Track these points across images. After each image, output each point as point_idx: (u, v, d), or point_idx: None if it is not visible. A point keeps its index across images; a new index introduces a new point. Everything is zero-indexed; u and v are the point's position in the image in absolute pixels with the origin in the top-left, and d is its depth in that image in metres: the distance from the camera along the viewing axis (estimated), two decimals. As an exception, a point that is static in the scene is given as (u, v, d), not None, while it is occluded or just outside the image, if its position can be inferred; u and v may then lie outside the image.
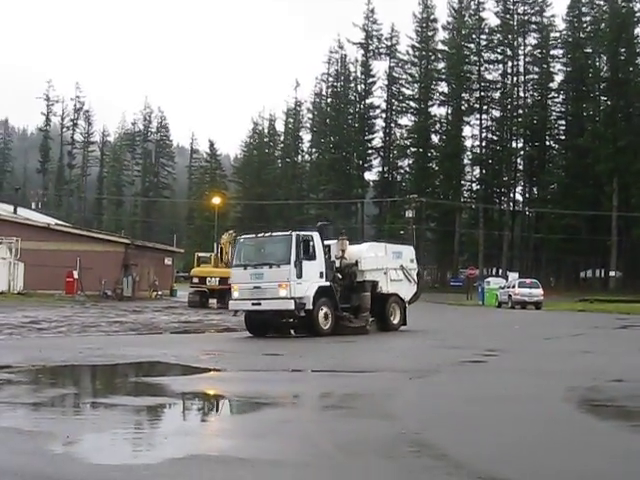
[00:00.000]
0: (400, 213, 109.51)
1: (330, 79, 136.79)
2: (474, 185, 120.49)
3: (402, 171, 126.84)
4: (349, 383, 14.83)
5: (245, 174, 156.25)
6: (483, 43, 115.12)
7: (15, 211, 70.34)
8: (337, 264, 29.34)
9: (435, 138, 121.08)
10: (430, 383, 15.16)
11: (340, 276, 29.08)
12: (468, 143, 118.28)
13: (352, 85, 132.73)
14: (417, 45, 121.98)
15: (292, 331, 28.60)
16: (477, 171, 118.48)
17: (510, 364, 19.06)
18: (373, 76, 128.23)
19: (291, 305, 26.12)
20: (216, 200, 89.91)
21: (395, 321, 30.63)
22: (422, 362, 18.56)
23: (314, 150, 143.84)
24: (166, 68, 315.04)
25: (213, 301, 49.56)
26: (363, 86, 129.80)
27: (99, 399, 13.00)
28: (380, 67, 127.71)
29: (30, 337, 24.80)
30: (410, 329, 30.21)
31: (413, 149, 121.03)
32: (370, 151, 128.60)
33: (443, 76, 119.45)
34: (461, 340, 26.69)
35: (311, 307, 26.45)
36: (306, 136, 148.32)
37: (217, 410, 12.67)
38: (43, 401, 12.57)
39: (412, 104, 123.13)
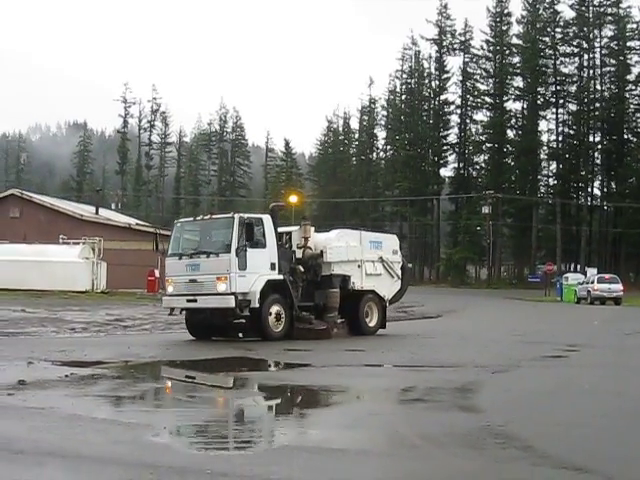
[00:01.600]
0: (476, 209, 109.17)
1: (404, 76, 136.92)
2: (551, 180, 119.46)
3: (478, 167, 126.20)
4: (431, 378, 15.08)
5: (320, 172, 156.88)
6: (558, 36, 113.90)
7: (97, 212, 71.61)
8: (299, 254, 24.97)
9: (511, 133, 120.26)
10: (512, 377, 15.34)
11: (302, 269, 24.56)
12: (544, 138, 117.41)
13: (426, 81, 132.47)
14: (491, 40, 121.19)
15: (240, 334, 24.32)
16: (554, 166, 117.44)
17: (592, 359, 19.13)
18: (447, 72, 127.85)
19: (231, 302, 21.86)
20: (293, 199, 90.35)
21: (371, 323, 26.31)
22: (503, 357, 18.71)
23: (389, 147, 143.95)
24: (241, 68, 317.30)
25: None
26: (437, 82, 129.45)
27: (190, 393, 13.45)
28: (454, 63, 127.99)
29: (116, 334, 25.41)
30: (485, 324, 30.09)
31: (488, 145, 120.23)
32: (445, 147, 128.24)
33: (518, 70, 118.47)
34: (541, 336, 26.69)
35: (257, 305, 22.15)
36: (381, 133, 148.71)
37: (305, 403, 13.03)
38: (137, 394, 13.09)
39: (487, 99, 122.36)
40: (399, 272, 27.60)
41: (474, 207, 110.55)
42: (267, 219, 23.60)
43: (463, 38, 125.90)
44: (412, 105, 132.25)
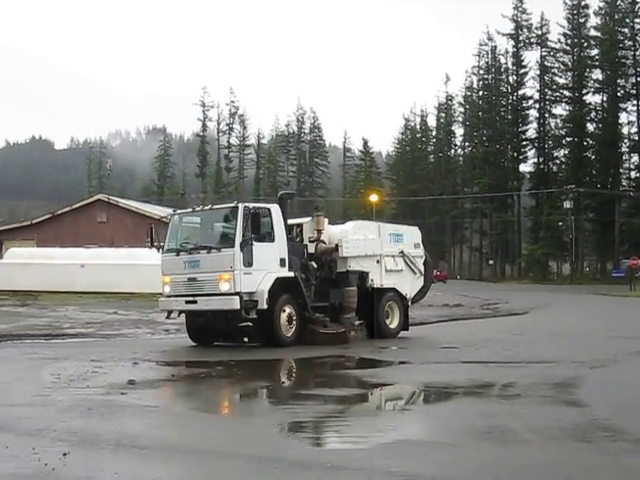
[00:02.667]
0: (557, 204, 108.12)
1: (481, 72, 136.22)
2: (633, 173, 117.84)
3: (558, 161, 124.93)
4: (530, 373, 15.22)
5: (398, 170, 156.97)
6: (637, 27, 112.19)
7: (180, 215, 72.51)
8: (311, 249, 22.49)
9: (591, 126, 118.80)
10: (611, 372, 15.43)
11: (315, 265, 22.12)
12: (625, 130, 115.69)
13: (503, 77, 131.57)
14: (569, 33, 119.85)
15: (245, 339, 21.98)
16: (635, 158, 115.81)
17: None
18: (525, 66, 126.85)
19: (235, 303, 19.41)
20: (373, 197, 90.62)
21: (392, 325, 23.87)
22: (598, 352, 18.74)
23: (467, 144, 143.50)
24: (318, 69, 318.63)
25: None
26: (515, 77, 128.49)
27: (300, 391, 13.78)
28: (531, 57, 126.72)
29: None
30: (574, 322, 29.92)
31: (568, 139, 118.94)
32: (524, 142, 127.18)
33: (597, 63, 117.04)
34: (632, 330, 26.58)
35: (266, 306, 19.74)
36: (458, 130, 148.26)
37: (411, 399, 13.30)
38: (247, 392, 13.47)
39: (566, 93, 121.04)
40: (422, 268, 25.21)
41: (555, 202, 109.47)
42: (275, 209, 20.98)
43: (540, 32, 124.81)
44: (490, 101, 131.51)
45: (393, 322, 23.74)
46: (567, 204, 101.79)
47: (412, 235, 25.52)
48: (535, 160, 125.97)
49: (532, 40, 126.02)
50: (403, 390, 14.32)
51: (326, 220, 23.25)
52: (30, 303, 40.18)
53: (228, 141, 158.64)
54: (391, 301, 23.65)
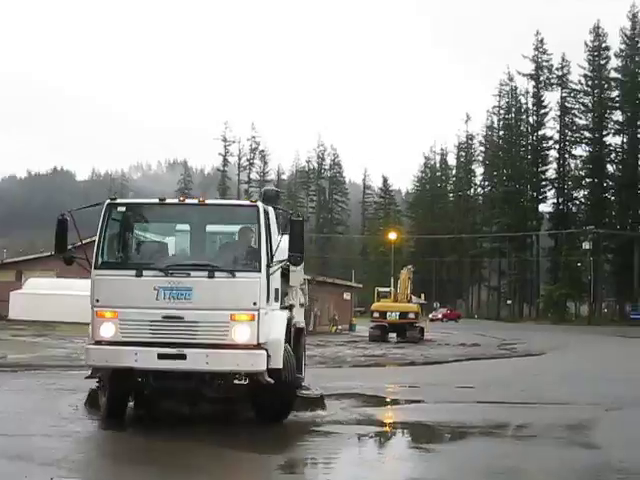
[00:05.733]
0: (576, 245, 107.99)
1: (501, 111, 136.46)
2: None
3: (577, 202, 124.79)
4: (545, 415, 15.27)
5: (418, 208, 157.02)
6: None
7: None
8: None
9: (611, 168, 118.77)
10: (627, 415, 15.46)
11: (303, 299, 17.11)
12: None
13: (524, 117, 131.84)
14: (589, 74, 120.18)
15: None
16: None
17: None
18: (545, 107, 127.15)
19: (261, 362, 12.74)
20: (392, 235, 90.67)
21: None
22: (614, 395, 18.71)
23: (487, 183, 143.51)
24: (339, 106, 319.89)
25: (393, 335, 50.10)
26: (535, 117, 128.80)
27: (315, 427, 13.79)
28: (552, 98, 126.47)
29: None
30: (590, 364, 29.75)
31: (588, 179, 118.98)
32: (544, 183, 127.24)
33: (617, 104, 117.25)
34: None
35: (280, 365, 13.15)
36: (478, 169, 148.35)
37: (427, 437, 13.34)
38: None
39: (586, 134, 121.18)
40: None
41: (574, 243, 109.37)
42: (271, 213, 14.25)
43: (560, 73, 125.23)
44: (510, 141, 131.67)
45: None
46: (586, 245, 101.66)
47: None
48: (554, 200, 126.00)
49: (553, 81, 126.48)
50: (416, 428, 14.35)
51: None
52: (48, 333, 40.38)
53: (248, 176, 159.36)
54: (303, 340, 16.19)
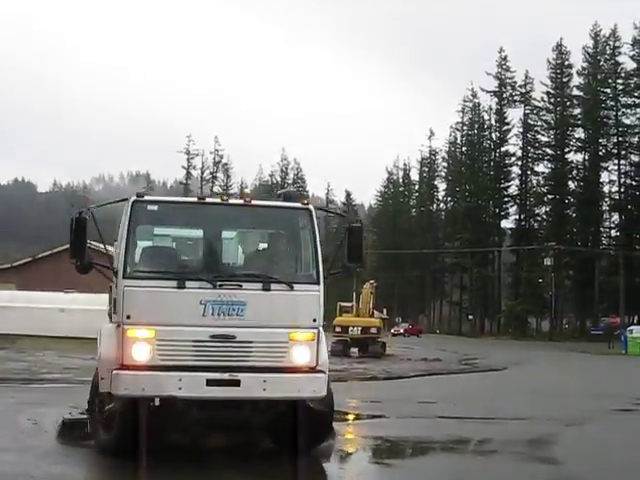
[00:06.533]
0: (538, 261, 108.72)
1: (464, 128, 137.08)
2: (613, 232, 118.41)
3: (539, 218, 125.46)
4: (507, 430, 15.34)
5: (380, 223, 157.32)
6: (620, 87, 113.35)
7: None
8: None
9: (572, 184, 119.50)
10: (586, 430, 15.55)
11: None
12: (606, 189, 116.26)
13: (487, 133, 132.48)
14: (552, 91, 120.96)
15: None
16: (616, 217, 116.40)
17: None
18: (508, 124, 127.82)
19: (322, 387, 11.20)
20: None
21: None
22: (574, 410, 18.86)
23: (449, 199, 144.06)
24: (302, 120, 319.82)
25: (355, 350, 50.10)
26: (498, 134, 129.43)
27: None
28: (514, 114, 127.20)
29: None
30: (553, 379, 29.98)
31: (550, 196, 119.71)
32: (506, 199, 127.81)
33: (579, 122, 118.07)
34: (608, 389, 26.69)
35: (325, 392, 11.33)
36: (441, 185, 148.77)
37: (389, 453, 13.33)
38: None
39: (548, 151, 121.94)
40: None
41: (535, 259, 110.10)
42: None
43: (523, 90, 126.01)
44: (473, 157, 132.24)
45: None
46: (547, 261, 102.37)
47: None
48: (516, 216, 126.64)
49: (516, 98, 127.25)
50: (379, 445, 14.34)
51: None
52: (8, 347, 39.96)
53: (211, 189, 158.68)
54: None
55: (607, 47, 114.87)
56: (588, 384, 28.61)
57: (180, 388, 10.60)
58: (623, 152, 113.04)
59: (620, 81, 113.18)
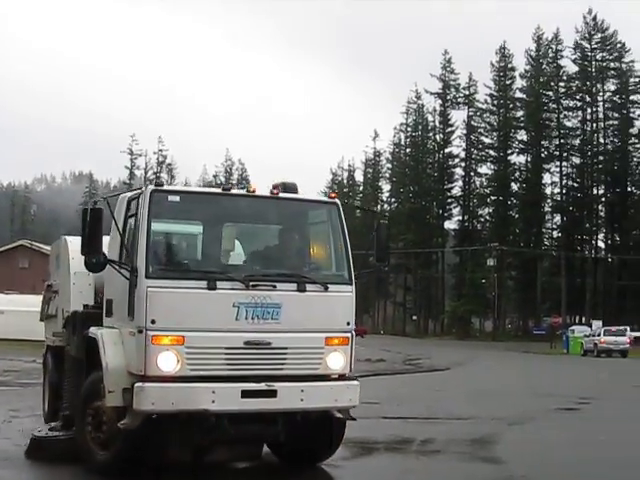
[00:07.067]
0: (481, 262, 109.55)
1: (409, 129, 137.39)
2: (555, 233, 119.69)
3: (482, 220, 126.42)
4: (450, 430, 15.36)
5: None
6: (562, 90, 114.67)
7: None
8: None
9: (515, 186, 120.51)
10: (528, 429, 15.64)
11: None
12: (548, 190, 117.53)
13: (431, 135, 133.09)
14: (495, 94, 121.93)
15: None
16: (558, 218, 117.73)
17: (604, 412, 19.41)
18: (452, 125, 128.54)
19: (356, 396, 10.63)
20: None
21: None
22: (516, 409, 18.98)
23: (393, 200, 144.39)
24: (246, 120, 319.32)
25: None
26: (442, 135, 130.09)
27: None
28: (458, 116, 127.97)
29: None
30: (496, 378, 30.19)
31: (493, 197, 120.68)
32: (450, 200, 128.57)
33: (522, 124, 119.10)
34: (551, 388, 26.89)
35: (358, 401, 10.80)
36: (385, 186, 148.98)
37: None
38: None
39: (491, 152, 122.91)
40: None
41: (479, 260, 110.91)
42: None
43: (467, 92, 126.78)
44: (417, 158, 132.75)
45: None
46: (490, 262, 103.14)
47: None
48: (460, 218, 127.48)
49: (459, 100, 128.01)
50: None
51: None
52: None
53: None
54: None
55: (549, 50, 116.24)
56: (530, 384, 28.81)
57: (213, 401, 9.55)
58: (565, 154, 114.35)
59: (562, 84, 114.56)
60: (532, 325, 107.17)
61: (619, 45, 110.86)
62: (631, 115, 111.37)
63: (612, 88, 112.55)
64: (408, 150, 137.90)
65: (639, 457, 12.35)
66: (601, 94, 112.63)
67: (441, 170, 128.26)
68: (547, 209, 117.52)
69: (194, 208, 10.82)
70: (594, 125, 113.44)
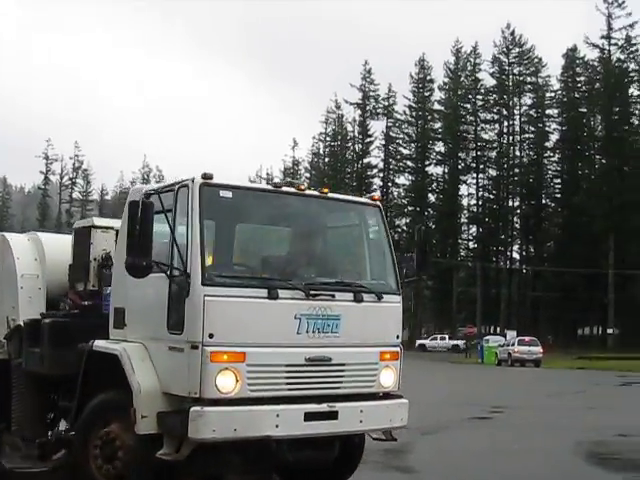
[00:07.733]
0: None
1: (327, 139, 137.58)
2: (471, 243, 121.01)
3: (399, 230, 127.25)
4: (363, 439, 15.27)
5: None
6: (479, 103, 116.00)
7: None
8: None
9: (432, 197, 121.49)
10: (442, 438, 15.69)
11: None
12: (465, 202, 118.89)
13: (349, 144, 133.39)
14: (414, 105, 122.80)
15: None
16: (474, 229, 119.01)
17: (517, 420, 19.57)
18: (370, 136, 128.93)
19: (406, 415, 10.08)
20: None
21: None
22: (430, 418, 18.94)
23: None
24: (163, 127, 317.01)
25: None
26: (360, 145, 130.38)
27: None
28: (377, 127, 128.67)
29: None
30: (410, 388, 30.27)
31: (410, 208, 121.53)
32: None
33: (440, 136, 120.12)
34: (465, 397, 27.08)
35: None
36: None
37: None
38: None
39: (409, 163, 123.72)
40: None
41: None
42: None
43: (387, 103, 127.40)
44: (335, 168, 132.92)
45: None
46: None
47: None
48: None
49: (379, 110, 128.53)
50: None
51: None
52: None
53: (70, 195, 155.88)
54: None
55: (468, 64, 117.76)
56: (445, 393, 28.98)
57: (277, 426, 8.42)
58: (481, 166, 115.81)
59: (480, 97, 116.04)
60: (448, 334, 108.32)
61: (536, 60, 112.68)
62: (547, 129, 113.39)
63: (528, 102, 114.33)
64: (327, 160, 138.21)
65: (553, 466, 12.42)
66: (517, 108, 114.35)
67: (359, 180, 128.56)
68: (463, 220, 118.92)
69: (248, 206, 9.66)
70: (510, 138, 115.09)
